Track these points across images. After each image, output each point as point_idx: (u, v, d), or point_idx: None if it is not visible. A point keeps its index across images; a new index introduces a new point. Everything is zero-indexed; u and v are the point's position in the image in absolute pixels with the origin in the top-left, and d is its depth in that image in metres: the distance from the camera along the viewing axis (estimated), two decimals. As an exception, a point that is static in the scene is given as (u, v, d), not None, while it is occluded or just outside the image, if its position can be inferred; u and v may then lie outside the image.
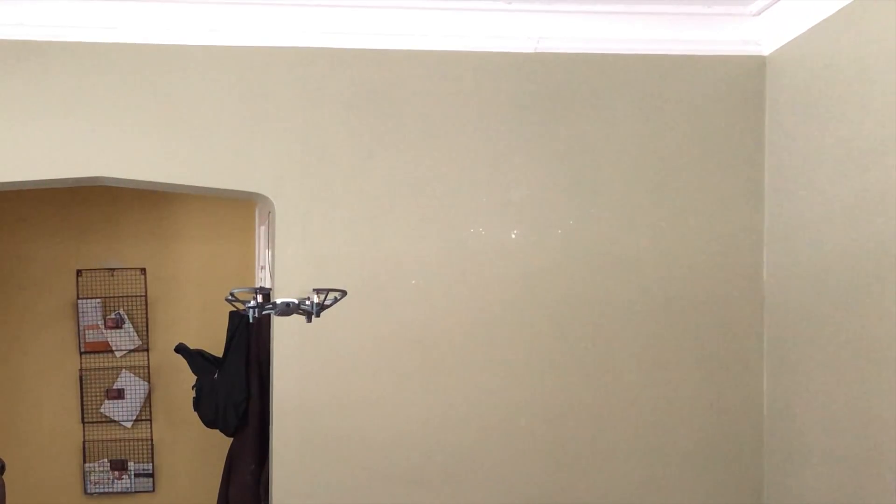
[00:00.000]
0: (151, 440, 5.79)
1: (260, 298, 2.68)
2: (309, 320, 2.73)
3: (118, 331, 5.73)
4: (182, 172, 3.70)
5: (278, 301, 2.71)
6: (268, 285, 4.38)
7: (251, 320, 2.70)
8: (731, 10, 3.74)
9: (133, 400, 5.76)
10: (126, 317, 5.73)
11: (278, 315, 2.75)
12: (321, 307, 2.70)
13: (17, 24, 3.56)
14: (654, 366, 3.82)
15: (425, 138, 3.75)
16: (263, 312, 2.69)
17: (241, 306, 2.68)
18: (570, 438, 3.81)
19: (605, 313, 3.81)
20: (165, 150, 3.67)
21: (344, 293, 2.73)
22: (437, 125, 3.76)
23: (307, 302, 2.70)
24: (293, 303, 2.70)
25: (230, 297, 2.66)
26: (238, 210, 5.69)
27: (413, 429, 3.76)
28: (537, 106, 3.79)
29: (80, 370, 5.74)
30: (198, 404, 4.53)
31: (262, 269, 5.04)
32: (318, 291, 2.70)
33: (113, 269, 5.73)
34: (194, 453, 5.72)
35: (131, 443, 5.78)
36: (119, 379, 5.75)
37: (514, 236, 3.78)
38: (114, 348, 5.75)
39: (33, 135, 3.60)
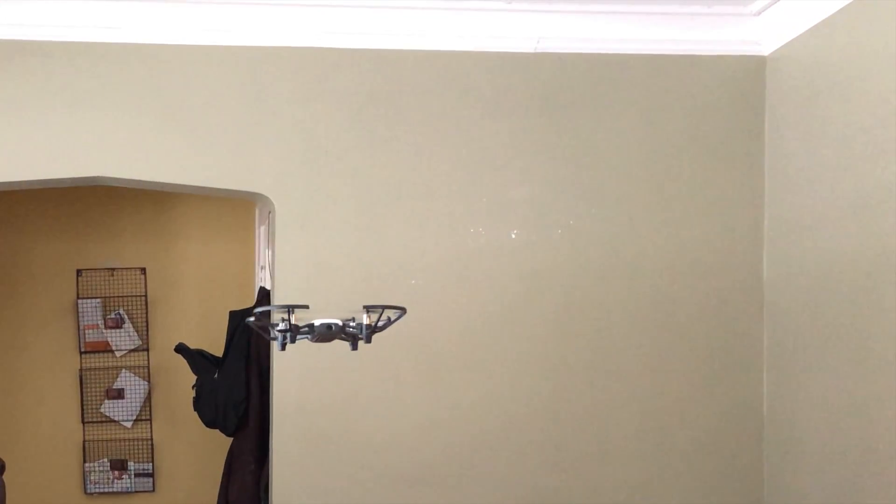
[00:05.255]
0: (151, 440, 5.79)
1: (293, 319, 2.09)
2: (354, 347, 2.18)
3: (118, 330, 5.73)
4: (182, 172, 3.70)
5: (316, 323, 2.13)
6: (268, 285, 4.38)
7: (281, 349, 2.17)
8: (731, 10, 3.74)
9: (133, 400, 5.76)
10: (126, 317, 5.73)
11: (316, 341, 2.17)
12: (372, 329, 2.11)
13: (17, 24, 3.56)
14: (654, 365, 3.81)
15: (425, 138, 3.75)
16: (298, 338, 2.14)
17: (268, 330, 2.15)
18: (570, 438, 3.80)
19: (605, 313, 3.80)
20: (165, 150, 3.67)
21: (403, 311, 2.16)
22: (437, 125, 3.76)
23: (353, 323, 2.14)
24: (336, 325, 2.13)
25: (253, 320, 2.20)
26: (238, 210, 5.69)
27: (413, 429, 3.76)
28: (537, 106, 3.79)
29: (80, 370, 5.74)
30: (198, 404, 4.53)
31: (262, 268, 5.04)
32: (369, 309, 2.14)
33: (113, 269, 5.73)
34: (194, 453, 5.71)
35: (131, 442, 5.78)
36: (119, 379, 5.75)
37: (514, 236, 3.78)
38: (114, 348, 5.75)
39: (33, 135, 3.60)
